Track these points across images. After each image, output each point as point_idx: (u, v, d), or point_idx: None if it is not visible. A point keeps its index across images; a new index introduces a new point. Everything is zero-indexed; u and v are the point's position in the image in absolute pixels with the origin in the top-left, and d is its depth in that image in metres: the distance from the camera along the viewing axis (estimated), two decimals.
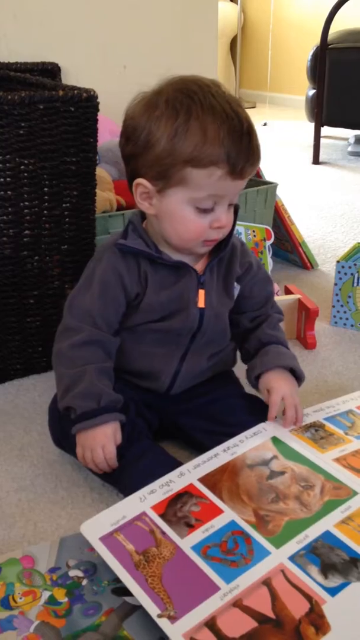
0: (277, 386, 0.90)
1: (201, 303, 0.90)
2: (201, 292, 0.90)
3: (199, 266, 0.91)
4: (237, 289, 0.96)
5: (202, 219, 0.83)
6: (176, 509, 0.76)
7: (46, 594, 0.69)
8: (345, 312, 1.37)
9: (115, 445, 0.84)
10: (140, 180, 0.83)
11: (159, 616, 0.63)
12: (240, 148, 0.78)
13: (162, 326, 0.90)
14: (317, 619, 0.62)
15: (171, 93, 0.80)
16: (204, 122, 0.77)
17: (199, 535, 0.72)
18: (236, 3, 4.66)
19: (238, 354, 1.03)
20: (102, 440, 0.84)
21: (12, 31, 1.51)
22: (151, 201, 0.84)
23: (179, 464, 0.84)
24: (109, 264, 0.88)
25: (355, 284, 1.34)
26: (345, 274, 1.34)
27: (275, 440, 0.88)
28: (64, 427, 0.89)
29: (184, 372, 0.93)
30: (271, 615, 0.63)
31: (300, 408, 0.92)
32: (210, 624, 0.62)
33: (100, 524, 0.74)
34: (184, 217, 0.83)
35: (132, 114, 0.83)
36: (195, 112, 0.77)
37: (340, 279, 1.35)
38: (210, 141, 0.77)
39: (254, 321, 0.99)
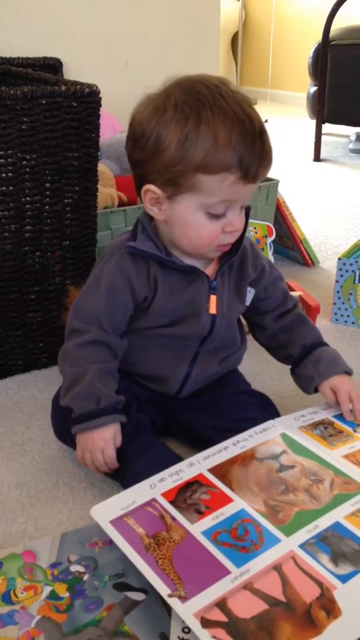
0: (340, 385, 0.93)
1: (213, 309, 0.88)
2: (213, 298, 0.88)
3: (210, 270, 0.89)
4: (251, 293, 0.94)
5: (215, 224, 0.81)
6: (186, 497, 0.76)
7: (47, 589, 0.69)
8: (346, 309, 1.37)
9: (116, 447, 0.84)
10: (149, 186, 0.81)
11: (170, 596, 0.63)
12: (252, 152, 0.76)
13: (172, 331, 0.89)
14: (327, 603, 0.63)
15: (179, 96, 0.76)
16: (214, 127, 0.74)
17: (209, 521, 0.72)
18: (238, 0, 4.65)
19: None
20: (102, 444, 0.83)
21: (14, 26, 1.51)
22: (161, 207, 0.82)
23: (181, 460, 0.84)
24: (117, 266, 0.86)
25: (356, 281, 1.34)
26: (347, 271, 1.34)
27: (284, 436, 0.88)
28: (66, 420, 0.89)
29: (194, 376, 0.93)
30: (282, 598, 0.63)
31: None
32: (221, 604, 0.62)
33: (110, 508, 0.74)
34: (196, 222, 0.81)
35: (139, 118, 0.80)
36: (206, 116, 0.75)
37: (342, 276, 1.35)
38: (222, 147, 0.74)
39: (279, 320, 0.98)
